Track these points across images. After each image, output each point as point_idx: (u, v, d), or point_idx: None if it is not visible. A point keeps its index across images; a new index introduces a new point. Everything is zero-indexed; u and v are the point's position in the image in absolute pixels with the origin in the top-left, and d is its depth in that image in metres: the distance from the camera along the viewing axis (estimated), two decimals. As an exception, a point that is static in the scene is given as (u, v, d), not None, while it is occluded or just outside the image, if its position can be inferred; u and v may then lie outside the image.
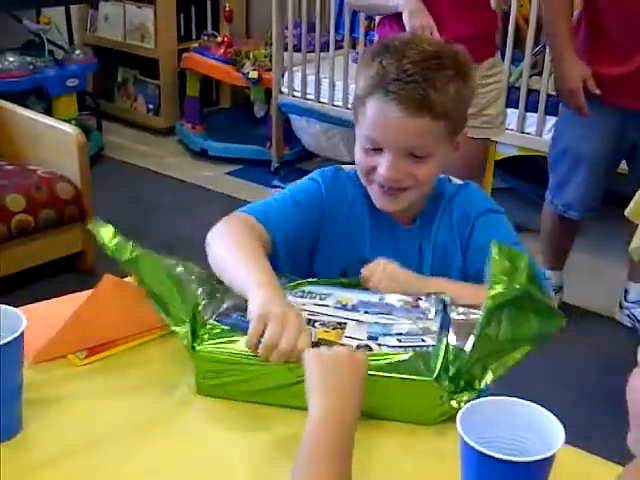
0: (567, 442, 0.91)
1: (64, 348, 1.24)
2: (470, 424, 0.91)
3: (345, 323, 1.19)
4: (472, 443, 0.88)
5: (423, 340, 1.15)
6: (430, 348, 1.13)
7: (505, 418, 0.95)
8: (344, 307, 1.23)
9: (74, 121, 3.93)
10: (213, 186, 4.11)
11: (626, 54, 2.47)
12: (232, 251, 1.26)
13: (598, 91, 2.53)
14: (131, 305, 1.25)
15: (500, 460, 0.87)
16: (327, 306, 1.24)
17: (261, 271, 1.19)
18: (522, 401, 0.96)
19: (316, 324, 1.19)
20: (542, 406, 0.95)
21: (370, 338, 1.16)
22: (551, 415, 0.94)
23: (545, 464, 0.90)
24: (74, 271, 3.20)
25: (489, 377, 1.09)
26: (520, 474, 0.89)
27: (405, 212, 1.41)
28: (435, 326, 1.18)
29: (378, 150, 1.32)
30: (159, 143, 4.70)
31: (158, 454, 1.07)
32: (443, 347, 1.12)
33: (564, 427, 0.92)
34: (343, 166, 1.50)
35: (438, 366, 1.09)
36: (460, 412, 0.93)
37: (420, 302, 1.24)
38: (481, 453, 0.88)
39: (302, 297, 1.26)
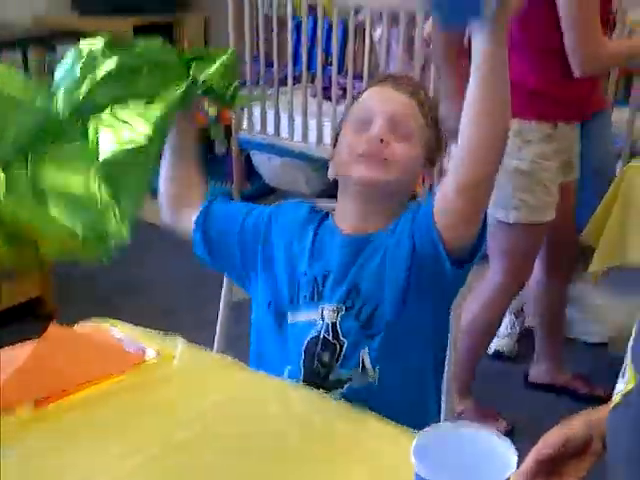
0: None
1: (9, 401, 1.18)
2: (422, 455, 0.87)
3: None
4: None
5: None
6: None
7: (457, 446, 0.91)
8: None
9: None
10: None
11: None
12: None
13: None
14: (79, 354, 1.21)
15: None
16: None
17: None
18: (474, 428, 0.93)
19: None
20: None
21: None
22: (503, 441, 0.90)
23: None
24: (33, 316, 3.11)
25: None
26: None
27: (366, 221, 1.40)
28: None
29: (368, 126, 1.39)
30: (116, 183, 4.61)
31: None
32: None
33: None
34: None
35: None
36: (413, 443, 0.89)
37: None
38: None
39: None
